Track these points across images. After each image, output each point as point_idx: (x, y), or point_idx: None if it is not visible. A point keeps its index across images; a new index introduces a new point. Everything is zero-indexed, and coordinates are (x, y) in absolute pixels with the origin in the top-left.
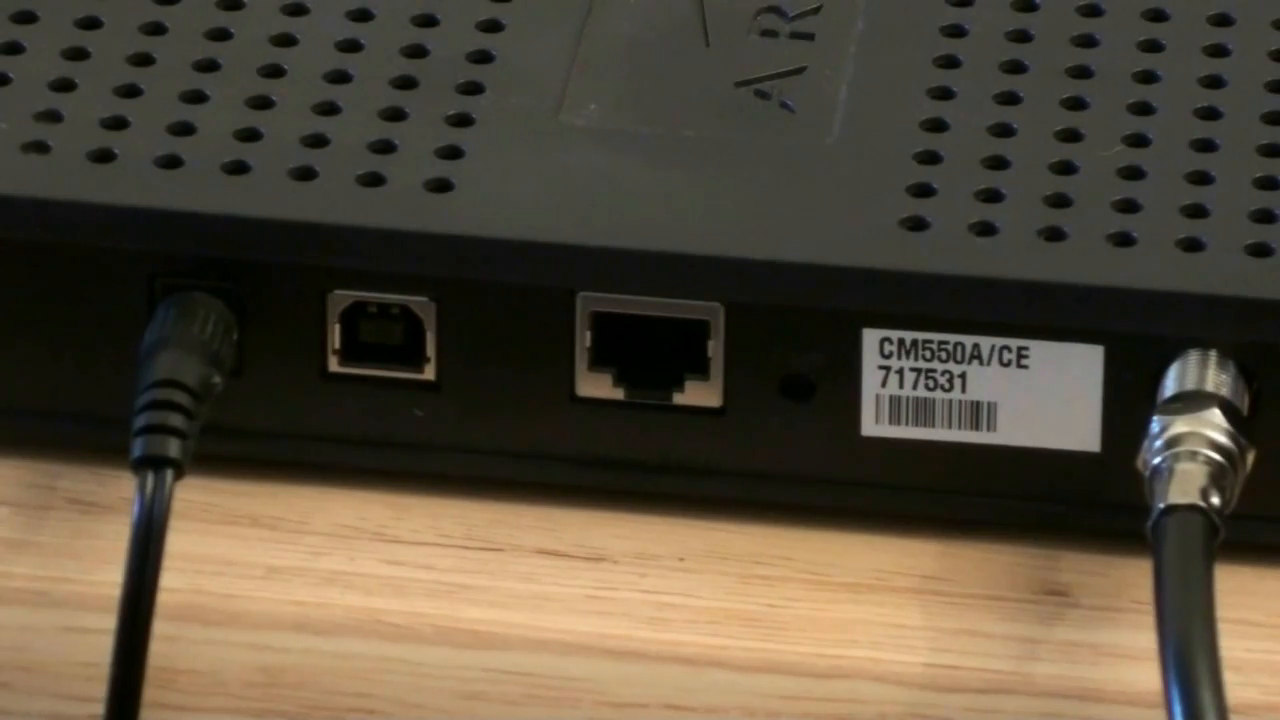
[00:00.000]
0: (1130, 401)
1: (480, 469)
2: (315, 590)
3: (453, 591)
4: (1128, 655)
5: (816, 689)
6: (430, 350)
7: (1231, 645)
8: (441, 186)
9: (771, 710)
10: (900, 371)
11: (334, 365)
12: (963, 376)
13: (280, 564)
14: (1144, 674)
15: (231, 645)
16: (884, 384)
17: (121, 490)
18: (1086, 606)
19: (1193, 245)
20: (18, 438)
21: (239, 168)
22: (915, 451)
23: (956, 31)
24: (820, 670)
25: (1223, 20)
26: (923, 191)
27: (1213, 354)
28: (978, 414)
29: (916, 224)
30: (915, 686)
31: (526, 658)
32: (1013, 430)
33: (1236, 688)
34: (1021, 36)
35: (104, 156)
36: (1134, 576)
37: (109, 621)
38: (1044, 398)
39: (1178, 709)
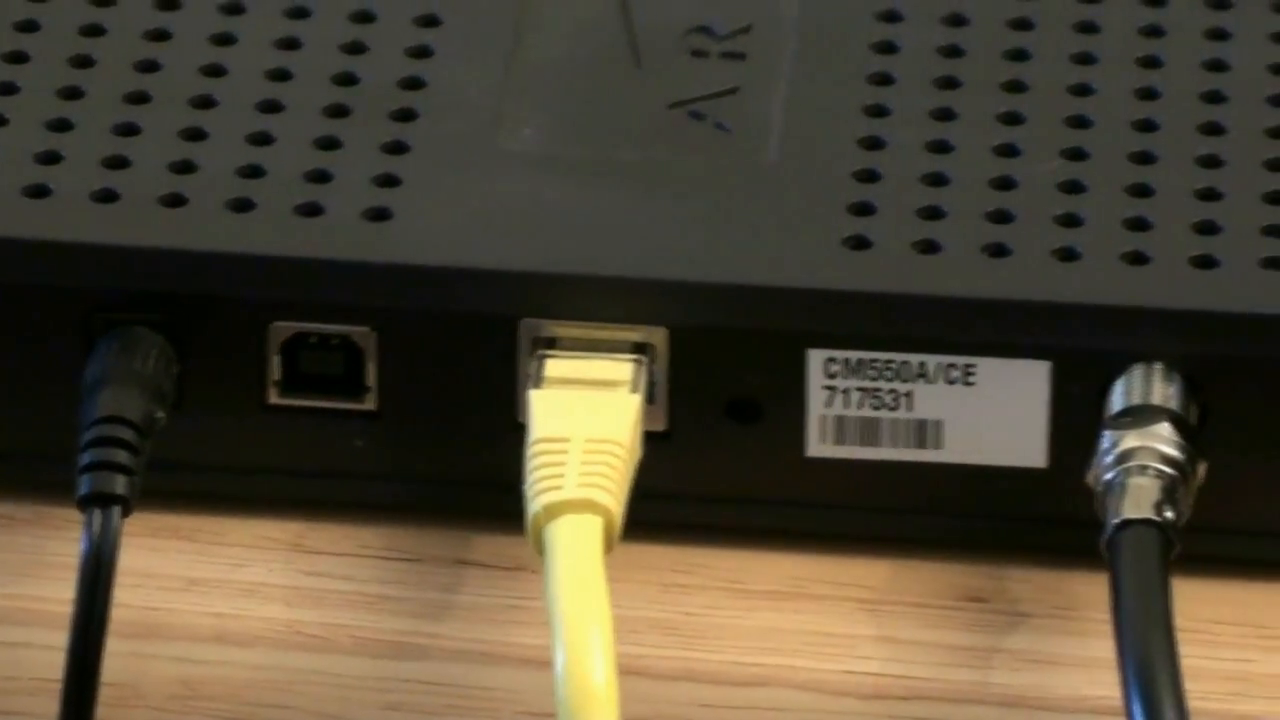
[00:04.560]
0: (1078, 417)
1: (422, 498)
2: (234, 602)
3: (372, 602)
4: (1050, 662)
5: (736, 697)
6: (371, 380)
7: (1189, 655)
8: (379, 215)
9: (690, 718)
10: (846, 391)
11: (274, 397)
12: (909, 395)
13: (199, 576)
14: (1066, 680)
15: (151, 658)
16: (829, 404)
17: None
18: (1007, 613)
19: (1137, 259)
20: None
21: (175, 200)
22: (862, 471)
23: (888, 48)
24: (740, 679)
25: (1155, 32)
26: (863, 210)
27: (1159, 367)
28: (924, 432)
29: (859, 243)
30: (835, 694)
31: (446, 668)
32: (960, 448)
33: (1196, 698)
34: (953, 52)
35: (38, 192)
36: (1056, 582)
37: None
38: (991, 415)
39: None
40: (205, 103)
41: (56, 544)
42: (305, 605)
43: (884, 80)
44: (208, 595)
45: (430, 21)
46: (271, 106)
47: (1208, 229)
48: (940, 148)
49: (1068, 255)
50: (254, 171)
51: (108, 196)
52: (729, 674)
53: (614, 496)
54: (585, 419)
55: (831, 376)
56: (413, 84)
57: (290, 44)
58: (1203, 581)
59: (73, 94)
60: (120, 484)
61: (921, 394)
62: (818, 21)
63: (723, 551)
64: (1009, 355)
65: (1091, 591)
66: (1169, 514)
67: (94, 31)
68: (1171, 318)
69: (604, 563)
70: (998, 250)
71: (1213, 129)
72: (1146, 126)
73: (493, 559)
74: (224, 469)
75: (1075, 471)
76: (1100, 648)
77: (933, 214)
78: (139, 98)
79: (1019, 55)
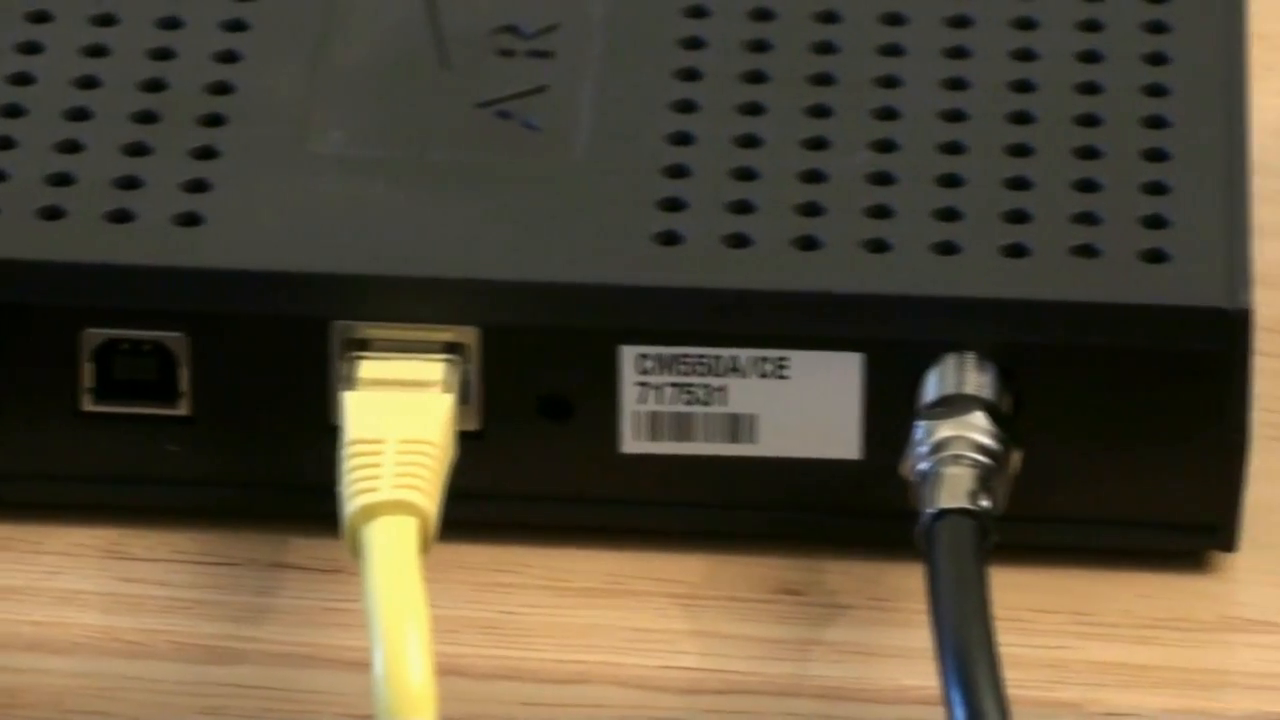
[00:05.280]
0: (891, 408)
1: (238, 502)
2: (50, 610)
3: (189, 607)
4: (868, 653)
5: (557, 694)
6: (184, 385)
7: (1007, 644)
8: (190, 220)
9: (512, 717)
10: (658, 387)
11: (87, 404)
12: (722, 390)
13: (14, 584)
14: (884, 671)
15: None
16: (642, 400)
17: None
18: (824, 605)
19: (947, 248)
20: None
21: None
22: (676, 466)
23: (695, 43)
24: (560, 676)
25: (961, 22)
26: (673, 206)
27: (972, 356)
28: (738, 426)
29: (669, 238)
30: (654, 690)
31: (265, 671)
32: (774, 441)
33: (1015, 687)
34: (760, 46)
35: None
36: (873, 574)
37: None
38: (804, 407)
39: (959, 712)
40: (12, 111)
41: None
42: (122, 611)
43: (692, 76)
44: (24, 603)
45: (238, 26)
46: (80, 114)
47: (1017, 218)
48: (749, 142)
49: (878, 246)
50: (63, 179)
51: None
52: (548, 672)
53: (429, 497)
54: (399, 420)
55: (644, 373)
56: (221, 89)
57: (97, 51)
58: (1019, 569)
59: None
60: None
61: (735, 388)
62: (625, 19)
63: (540, 550)
64: (821, 348)
65: (909, 582)
66: (984, 503)
67: None
68: (983, 307)
69: (421, 563)
70: (808, 243)
71: (1021, 118)
72: (955, 117)
73: (309, 561)
74: (38, 476)
75: (890, 462)
76: (918, 638)
77: (743, 208)
78: None
79: (825, 48)
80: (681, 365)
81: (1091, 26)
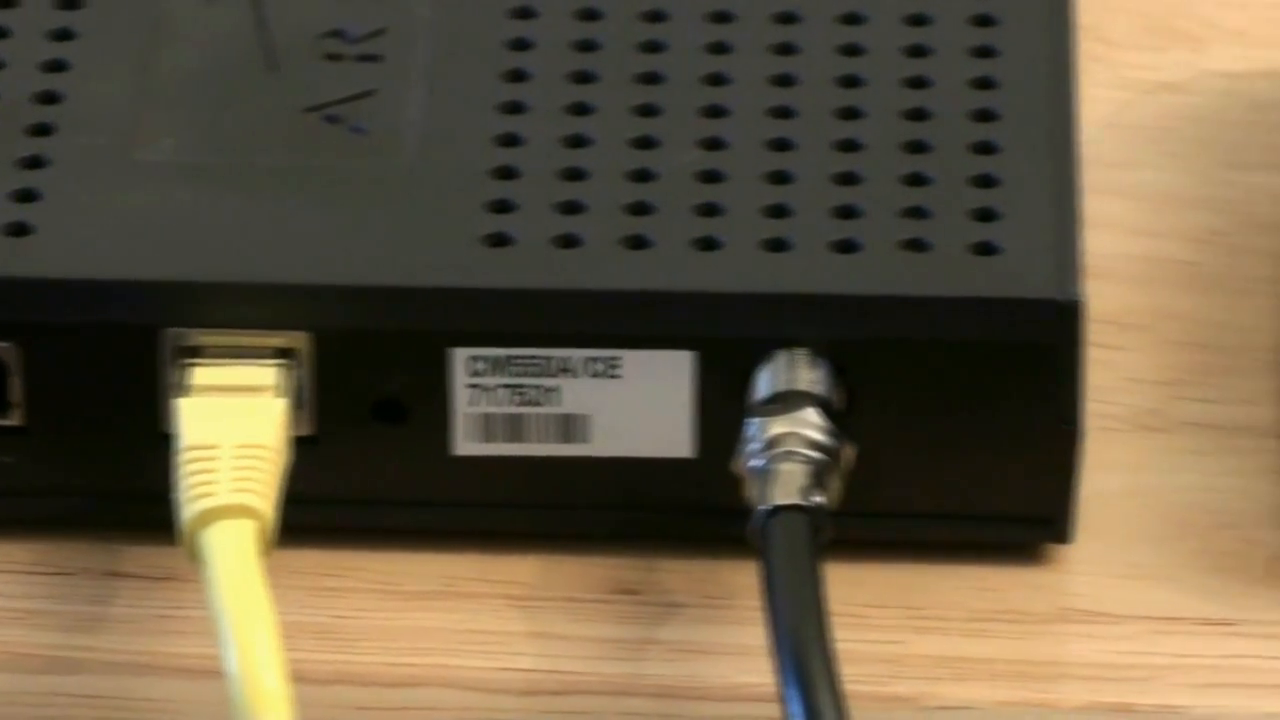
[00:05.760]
0: (724, 405)
1: (73, 512)
2: None
3: (23, 618)
4: (704, 651)
5: (392, 698)
6: (17, 396)
7: (843, 639)
8: (19, 230)
9: None
10: (491, 389)
11: None
12: (554, 390)
13: None
14: (721, 669)
15: None
16: (475, 402)
17: None
18: (659, 604)
19: (777, 245)
20: None
21: None
22: (510, 468)
23: (522, 45)
24: (395, 679)
25: (789, 18)
26: (502, 207)
27: (804, 353)
28: (571, 427)
29: (498, 240)
30: (490, 691)
31: (100, 680)
32: (607, 441)
33: (851, 682)
34: (588, 46)
35: None
36: (708, 572)
37: None
38: (637, 406)
39: (795, 709)
40: None
41: None
42: None
43: (519, 77)
44: None
45: (65, 35)
46: None
47: (847, 213)
48: (578, 142)
49: (708, 244)
50: None
51: None
52: (384, 675)
53: (266, 500)
54: (233, 425)
55: (476, 375)
56: (49, 98)
57: None
58: (855, 565)
59: None
60: None
61: (567, 388)
62: (451, 21)
63: (374, 553)
64: (653, 346)
65: (744, 580)
66: (817, 499)
67: None
68: (813, 303)
69: (263, 566)
70: (638, 242)
71: (850, 114)
72: (783, 113)
73: (144, 569)
74: None
75: (724, 460)
76: (755, 635)
77: (572, 208)
78: None
79: (653, 47)
80: (513, 367)
81: (919, 21)
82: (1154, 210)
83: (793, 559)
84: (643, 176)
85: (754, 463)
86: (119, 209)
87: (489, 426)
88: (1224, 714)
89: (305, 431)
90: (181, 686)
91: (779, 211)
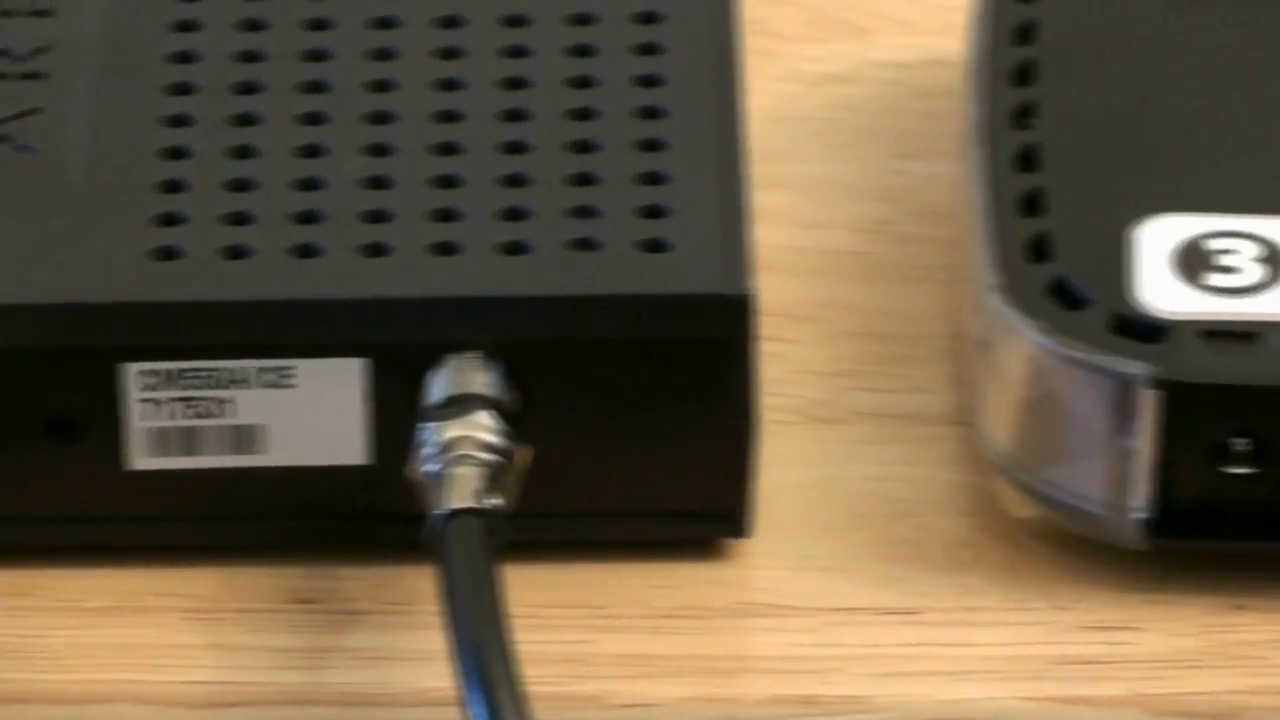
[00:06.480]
0: (398, 411)
1: None
2: None
3: None
4: (386, 658)
5: (77, 715)
6: None
7: (526, 641)
8: None
9: None
10: (164, 403)
11: None
12: (228, 402)
13: None
14: (404, 675)
15: None
16: (148, 417)
17: None
18: (340, 612)
19: (445, 249)
20: None
21: None
22: (187, 481)
23: (186, 57)
24: (80, 696)
25: (452, 22)
26: (170, 220)
27: (475, 356)
28: (245, 438)
29: (167, 253)
30: (170, 705)
31: None
32: (283, 451)
33: (535, 683)
34: (252, 57)
35: None
36: (389, 579)
37: None
38: (311, 415)
39: (478, 712)
40: None
41: None
42: None
43: (183, 90)
44: None
45: None
46: None
47: (515, 215)
48: (244, 153)
49: (376, 251)
50: None
51: None
52: (68, 693)
53: None
54: None
55: (148, 389)
56: None
57: None
58: (535, 566)
59: None
60: None
61: (241, 400)
62: (116, 36)
63: (54, 571)
64: (324, 354)
65: (425, 585)
66: (493, 501)
67: None
68: (482, 305)
69: None
70: (306, 250)
71: (515, 115)
72: (449, 118)
73: None
74: None
75: (400, 466)
76: (438, 640)
77: (240, 219)
78: None
79: (317, 56)
80: (185, 380)
81: (582, 20)
82: (822, 202)
83: (470, 562)
84: (310, 185)
85: (429, 467)
86: None
87: (163, 440)
88: (907, 702)
89: None
90: None
91: (447, 215)
